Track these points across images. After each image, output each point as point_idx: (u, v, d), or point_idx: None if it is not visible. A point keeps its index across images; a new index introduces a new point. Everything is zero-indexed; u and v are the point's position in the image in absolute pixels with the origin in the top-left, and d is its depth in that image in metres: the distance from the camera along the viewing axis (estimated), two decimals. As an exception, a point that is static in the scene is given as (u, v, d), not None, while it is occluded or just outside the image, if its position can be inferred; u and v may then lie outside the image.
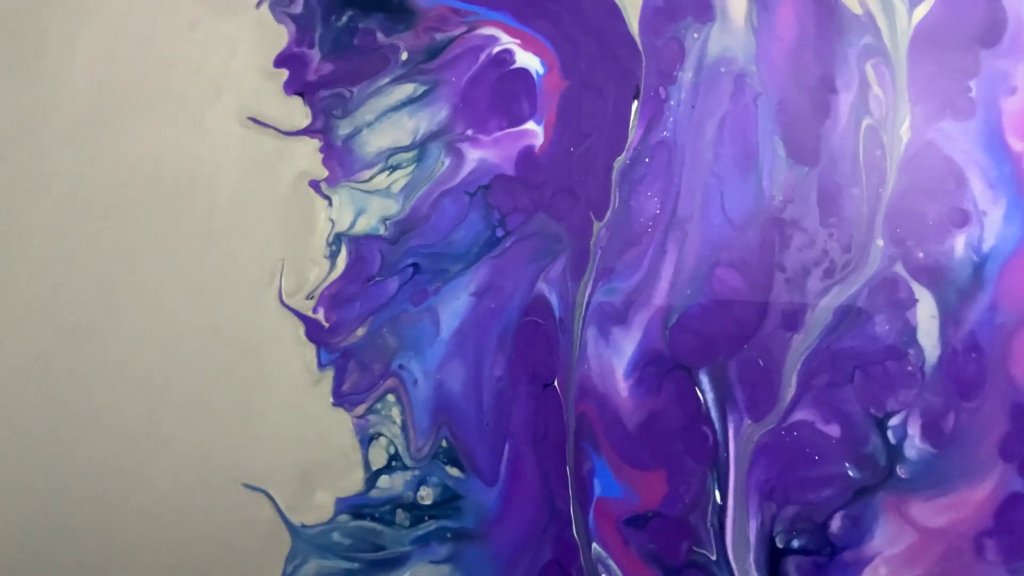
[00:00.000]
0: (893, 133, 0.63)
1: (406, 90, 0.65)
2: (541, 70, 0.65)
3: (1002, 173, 0.62)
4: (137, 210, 0.65)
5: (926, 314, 0.59)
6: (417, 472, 0.62)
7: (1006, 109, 0.62)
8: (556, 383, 0.62)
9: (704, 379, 0.61)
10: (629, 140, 0.63)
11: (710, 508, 0.60)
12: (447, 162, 0.64)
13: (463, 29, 0.65)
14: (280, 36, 0.65)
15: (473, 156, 0.64)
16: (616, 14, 0.64)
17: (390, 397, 0.63)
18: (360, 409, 0.63)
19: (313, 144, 0.65)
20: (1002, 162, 0.62)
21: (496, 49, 0.64)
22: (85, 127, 0.65)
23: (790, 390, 0.60)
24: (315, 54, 0.65)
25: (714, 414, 0.60)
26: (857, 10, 0.64)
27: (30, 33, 0.65)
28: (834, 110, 0.63)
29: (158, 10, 0.65)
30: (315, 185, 0.64)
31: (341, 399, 0.63)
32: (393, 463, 0.62)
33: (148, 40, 0.65)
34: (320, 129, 0.65)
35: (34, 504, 0.64)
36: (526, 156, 0.64)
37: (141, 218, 0.65)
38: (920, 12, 0.63)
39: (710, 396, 0.61)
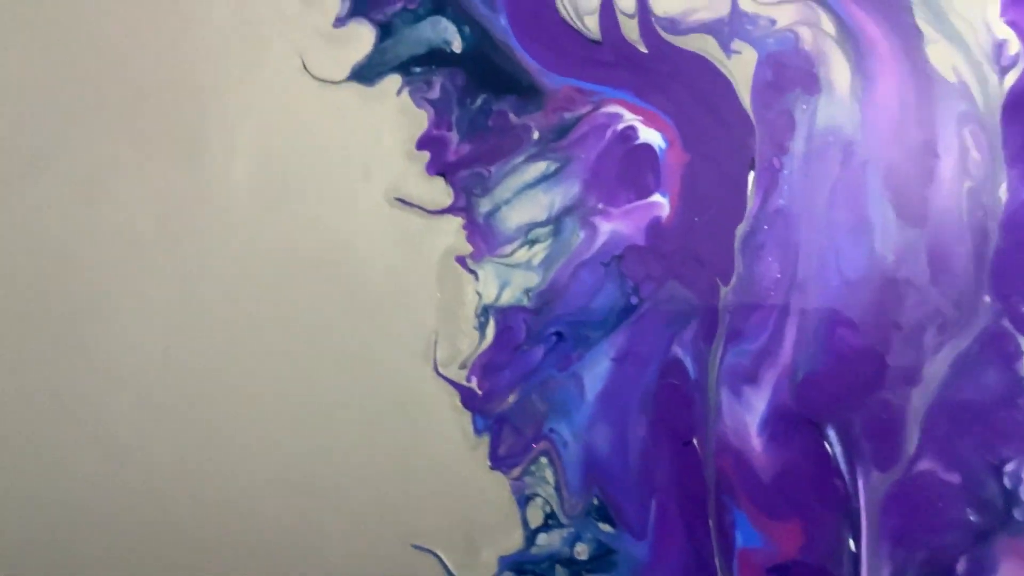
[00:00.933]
0: (992, 194, 0.71)
1: (540, 167, 0.73)
2: (663, 145, 0.73)
3: None
4: (297, 288, 0.73)
5: (1033, 366, 0.68)
6: (572, 529, 0.70)
7: None
8: (695, 441, 0.70)
9: (832, 433, 0.69)
10: (748, 208, 0.72)
11: (845, 556, 0.68)
12: (582, 235, 0.73)
13: (589, 108, 0.73)
14: (420, 120, 0.74)
15: (605, 228, 0.73)
16: (729, 89, 0.73)
17: (543, 459, 0.71)
18: (516, 471, 0.71)
19: (457, 222, 0.73)
20: None
21: (620, 126, 0.73)
22: (246, 213, 0.74)
23: (913, 441, 0.67)
24: (453, 136, 0.74)
25: (843, 466, 0.68)
26: (951, 78, 0.72)
27: (192, 125, 0.74)
28: (937, 174, 0.71)
29: (311, 101, 0.74)
30: (461, 260, 0.73)
31: (498, 462, 0.71)
32: (549, 521, 0.70)
33: (303, 129, 0.73)
34: (463, 207, 0.74)
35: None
36: (654, 227, 0.72)
37: (301, 296, 0.73)
38: (1011, 79, 0.72)
39: (838, 449, 0.68)
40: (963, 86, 0.71)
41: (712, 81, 0.72)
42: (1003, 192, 0.70)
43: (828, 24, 0.72)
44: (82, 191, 0.74)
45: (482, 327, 0.72)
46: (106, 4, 0.75)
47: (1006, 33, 0.69)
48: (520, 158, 0.73)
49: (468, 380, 0.71)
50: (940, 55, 0.70)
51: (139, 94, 0.74)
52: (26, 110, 0.74)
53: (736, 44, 0.72)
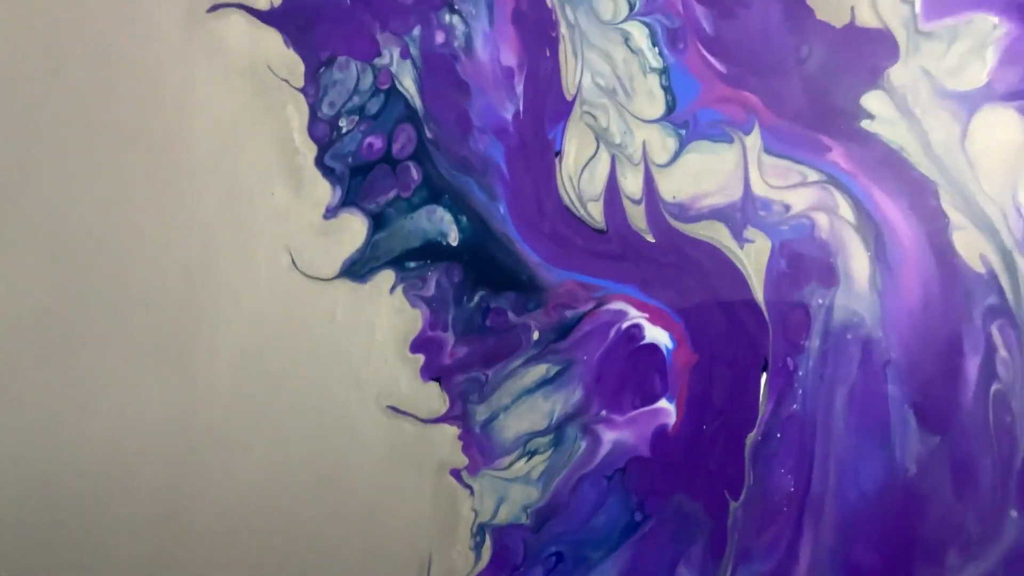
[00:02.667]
0: (1021, 397, 0.82)
1: (540, 371, 0.85)
2: (670, 345, 0.85)
3: None
4: (282, 507, 0.86)
5: (1068, 588, 0.77)
6: None
7: None
8: (705, 671, 0.81)
9: (849, 664, 0.80)
10: (760, 415, 0.83)
11: None
12: (583, 445, 0.84)
13: (592, 305, 0.85)
14: (415, 320, 0.87)
15: (609, 437, 0.84)
16: (741, 282, 0.84)
17: None
18: None
19: (452, 431, 0.86)
20: None
21: (625, 324, 0.85)
22: (234, 423, 0.86)
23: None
24: (449, 337, 0.86)
25: None
26: (979, 269, 0.81)
27: (179, 330, 0.88)
28: (963, 375, 0.82)
29: (300, 300, 0.86)
30: (456, 474, 0.85)
31: None
32: None
33: (292, 332, 0.85)
34: (458, 415, 0.85)
35: None
36: (660, 436, 0.83)
37: (285, 515, 0.86)
38: None
39: None
40: (992, 277, 0.81)
41: (723, 273, 0.84)
42: None
43: (847, 209, 0.83)
44: (73, 405, 0.88)
45: (478, 547, 0.83)
46: (94, 210, 0.90)
47: None
48: (519, 361, 0.85)
49: (463, 605, 0.83)
50: (967, 243, 0.76)
51: (127, 296, 0.88)
52: (13, 323, 0.90)
53: (749, 231, 0.83)
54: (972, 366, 0.74)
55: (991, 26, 0.74)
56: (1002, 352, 0.73)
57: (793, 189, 0.77)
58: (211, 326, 0.80)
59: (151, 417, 0.80)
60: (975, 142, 0.75)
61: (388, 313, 0.78)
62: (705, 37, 0.78)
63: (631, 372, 0.76)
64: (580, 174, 0.78)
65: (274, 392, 0.79)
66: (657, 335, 0.76)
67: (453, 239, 0.78)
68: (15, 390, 0.80)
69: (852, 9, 0.76)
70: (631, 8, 0.78)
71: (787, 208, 0.77)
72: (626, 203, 0.78)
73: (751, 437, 0.74)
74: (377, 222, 0.79)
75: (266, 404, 0.79)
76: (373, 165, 0.80)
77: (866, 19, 0.76)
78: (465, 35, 0.79)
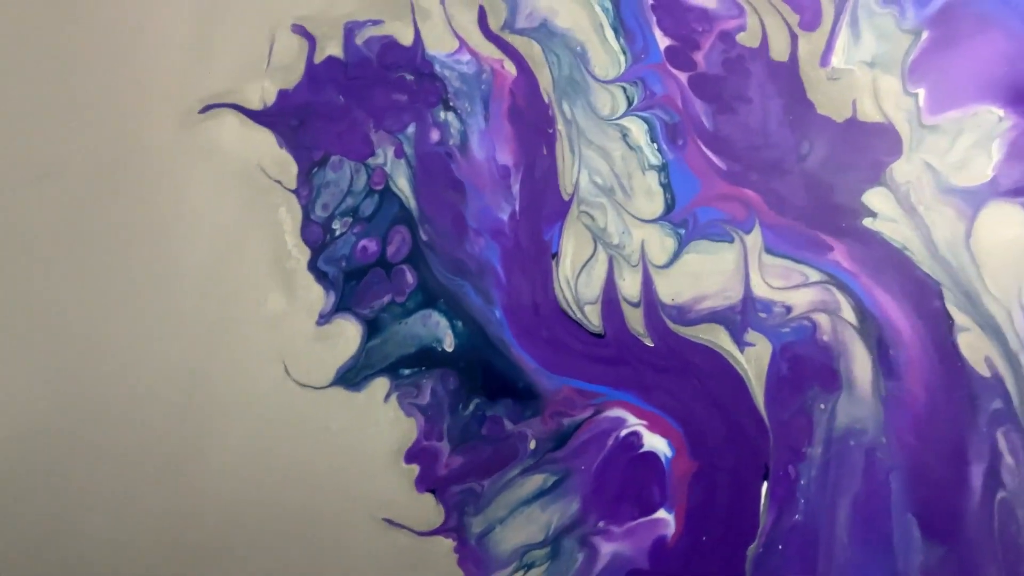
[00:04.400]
0: None
1: (536, 481, 0.99)
2: (669, 453, 0.99)
3: None
4: None
5: None
6: None
7: None
8: None
9: None
10: (761, 526, 0.97)
11: None
12: (581, 557, 0.96)
13: (590, 412, 0.99)
14: (410, 429, 1.03)
15: (607, 550, 0.95)
16: (741, 387, 0.99)
17: None
18: None
19: (447, 544, 1.00)
20: None
21: (624, 432, 0.99)
22: (230, 538, 1.04)
23: None
24: (444, 447, 1.01)
25: None
26: (985, 372, 0.94)
27: (172, 444, 1.04)
28: (968, 483, 0.97)
29: (295, 410, 0.94)
30: None
31: None
32: None
33: (286, 441, 0.96)
34: (454, 528, 0.98)
35: None
36: (659, 548, 0.96)
37: None
38: None
39: None
40: (997, 380, 0.91)
41: (723, 378, 0.99)
42: None
43: (849, 311, 0.96)
44: (68, 516, 0.96)
45: None
46: (88, 320, 1.07)
47: None
48: (515, 471, 1.00)
49: None
50: (972, 345, 0.84)
51: (123, 408, 1.03)
52: (7, 432, 1.08)
53: (749, 335, 0.95)
54: (977, 474, 0.83)
55: (996, 119, 0.83)
56: (1008, 459, 0.84)
57: (794, 290, 0.87)
58: (206, 438, 0.94)
59: (146, 528, 0.95)
60: (980, 240, 0.84)
61: (382, 422, 0.91)
62: (705, 133, 0.87)
63: (629, 481, 0.90)
64: (577, 276, 0.89)
65: (269, 504, 0.94)
66: (656, 443, 0.91)
67: (448, 345, 0.93)
68: (11, 499, 0.98)
69: (854, 103, 0.85)
70: (629, 103, 0.88)
71: (788, 310, 0.87)
72: (624, 306, 0.89)
73: (752, 549, 0.89)
74: (371, 328, 0.93)
75: (261, 516, 0.93)
76: (367, 269, 0.90)
77: (868, 113, 0.85)
78: (460, 133, 0.90)
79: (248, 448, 0.92)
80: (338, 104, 0.93)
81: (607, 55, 0.90)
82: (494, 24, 0.91)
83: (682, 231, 0.90)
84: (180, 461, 0.93)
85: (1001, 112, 0.84)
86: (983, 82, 0.85)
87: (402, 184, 0.93)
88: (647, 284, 0.90)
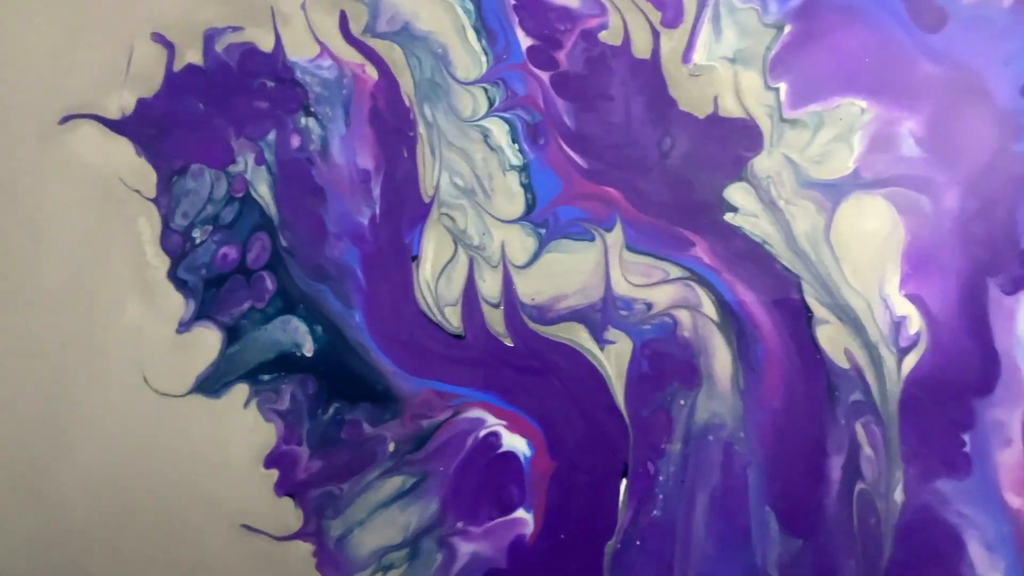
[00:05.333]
0: (887, 498, 1.03)
1: (395, 484, 0.99)
2: (528, 452, 1.01)
3: (1000, 533, 0.92)
4: None
5: None
6: None
7: (1002, 463, 0.92)
8: None
9: None
10: (619, 522, 0.94)
11: None
12: (439, 558, 0.97)
13: (449, 413, 1.02)
14: (269, 435, 1.07)
15: (465, 550, 0.91)
16: (601, 385, 1.01)
17: None
18: None
19: (306, 548, 1.06)
20: (1000, 521, 0.92)
21: (483, 432, 1.01)
22: (86, 544, 1.10)
23: None
24: (304, 451, 1.03)
25: None
26: (844, 364, 0.97)
27: (29, 453, 1.08)
28: (826, 475, 1.02)
29: (155, 418, 0.89)
30: None
31: None
32: None
33: (146, 449, 0.91)
34: (312, 532, 0.99)
35: None
36: (517, 547, 0.95)
37: None
38: (909, 362, 0.90)
39: None
40: (856, 372, 0.91)
41: (583, 376, 1.00)
42: (899, 495, 0.85)
43: (710, 306, 0.98)
44: None
45: (329, 672, 1.02)
46: None
47: (906, 309, 0.87)
48: (375, 473, 1.03)
49: None
50: (832, 338, 0.87)
51: None
52: None
53: (610, 333, 0.92)
54: (836, 466, 0.86)
55: (859, 111, 0.86)
56: (867, 451, 0.86)
57: (655, 287, 0.90)
58: (66, 448, 0.95)
59: (6, 540, 1.00)
60: (840, 232, 0.87)
61: (242, 428, 0.96)
62: (566, 132, 0.90)
63: (488, 482, 0.93)
64: (437, 278, 0.90)
65: (128, 513, 0.96)
66: (515, 443, 0.94)
67: (308, 350, 0.97)
68: None
69: (715, 99, 0.88)
70: (491, 104, 0.89)
71: (649, 307, 0.90)
72: (484, 307, 0.90)
73: (610, 545, 0.92)
74: (231, 335, 0.94)
75: (120, 525, 0.96)
76: (227, 276, 0.91)
77: (730, 109, 0.88)
78: (321, 138, 0.92)
79: (107, 457, 0.94)
80: (198, 112, 0.94)
81: (469, 57, 0.92)
82: (355, 28, 0.93)
83: (543, 231, 0.92)
84: (40, 471, 0.95)
85: (864, 104, 0.87)
86: (845, 74, 0.87)
87: (263, 191, 0.94)
88: (507, 284, 0.92)
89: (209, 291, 0.95)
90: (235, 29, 0.95)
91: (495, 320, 0.93)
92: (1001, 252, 0.85)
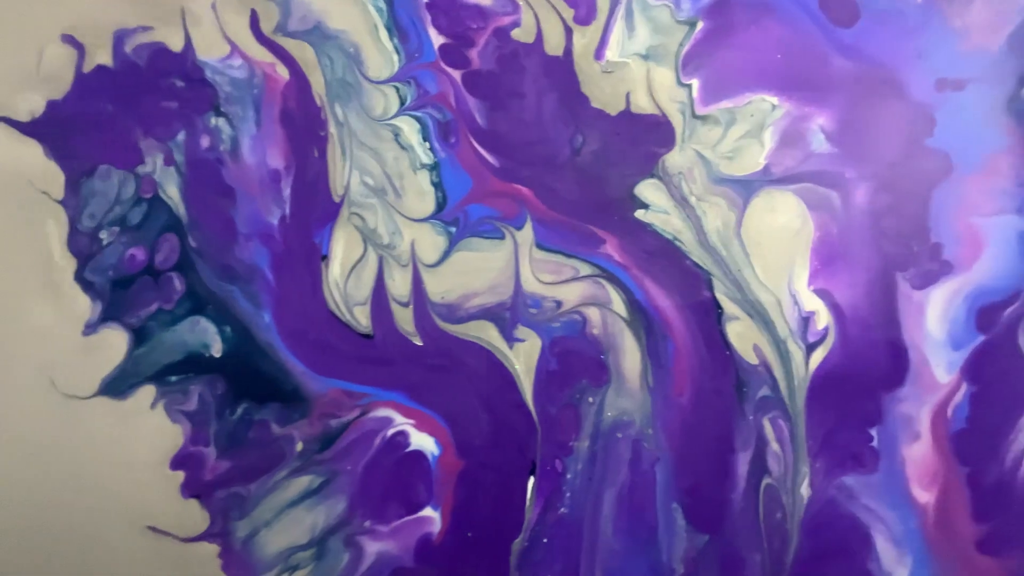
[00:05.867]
0: (793, 493, 1.06)
1: (303, 483, 1.01)
2: (436, 451, 1.03)
3: (908, 528, 0.95)
4: None
5: None
6: None
7: (910, 457, 0.97)
8: None
9: None
10: (526, 520, 0.98)
11: None
12: (346, 558, 0.99)
13: (357, 413, 1.05)
14: (176, 436, 1.08)
15: (372, 549, 0.93)
16: (510, 383, 1.03)
17: None
18: None
19: (212, 549, 1.07)
20: (907, 516, 0.96)
21: (391, 431, 1.03)
22: None
23: None
24: (211, 452, 1.04)
25: None
26: (753, 360, 1.01)
27: None
28: (733, 471, 1.06)
29: (61, 421, 0.88)
30: None
31: None
32: None
33: (52, 452, 0.90)
34: (218, 533, 1.00)
35: None
36: (424, 545, 0.96)
37: None
38: (817, 357, 0.93)
39: None
40: (765, 368, 0.95)
41: (492, 375, 1.01)
42: (805, 489, 0.89)
43: (619, 304, 1.00)
44: None
45: (235, 676, 1.04)
46: None
47: (815, 304, 0.89)
48: (282, 473, 1.05)
49: None
50: (741, 334, 0.88)
51: None
52: None
53: (519, 331, 0.93)
54: (743, 461, 0.88)
55: (770, 107, 0.88)
56: (774, 446, 0.89)
57: (565, 284, 0.91)
58: None
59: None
60: (751, 228, 0.89)
61: (148, 430, 0.98)
62: (477, 130, 0.91)
63: (396, 481, 0.95)
64: (347, 278, 0.92)
65: (34, 514, 0.97)
66: (423, 441, 0.97)
67: (216, 351, 0.98)
68: None
69: (628, 96, 0.90)
70: (402, 103, 0.91)
71: (558, 304, 0.91)
72: (394, 306, 0.92)
73: (517, 543, 0.94)
74: (138, 336, 0.95)
75: (26, 527, 0.96)
76: (135, 277, 0.92)
77: (642, 105, 0.89)
78: (231, 138, 0.92)
79: (12, 459, 0.95)
80: (107, 113, 0.95)
81: (381, 55, 0.93)
82: (267, 28, 0.94)
83: (453, 229, 0.93)
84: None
85: (775, 100, 0.89)
86: (757, 70, 0.89)
87: (171, 192, 0.95)
88: (417, 283, 0.94)
89: (116, 292, 0.96)
90: (145, 29, 0.95)
91: (404, 319, 0.95)
92: (911, 247, 0.88)
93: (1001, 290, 0.87)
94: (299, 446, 0.96)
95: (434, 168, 0.95)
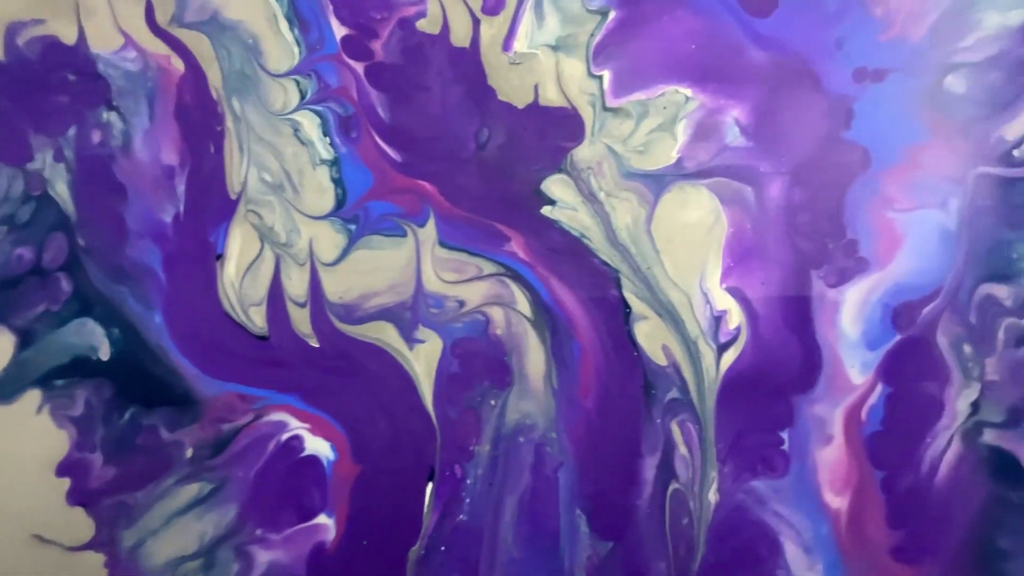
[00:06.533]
0: (701, 498, 1.05)
1: (192, 491, 0.99)
2: (332, 456, 1.03)
3: (818, 534, 0.97)
4: None
5: None
6: None
7: (822, 461, 0.99)
8: None
9: None
10: (424, 527, 1.00)
11: None
12: (236, 568, 0.99)
13: (250, 417, 1.06)
14: (62, 442, 1.07)
15: (263, 559, 0.93)
16: (409, 386, 1.04)
17: None
18: None
19: (98, 559, 1.07)
20: (819, 522, 0.97)
21: (285, 436, 1.04)
22: None
23: None
24: (97, 458, 1.02)
25: None
26: (662, 361, 1.02)
27: None
28: (639, 476, 1.06)
29: None
30: None
31: None
32: None
33: None
34: (104, 542, 0.98)
35: None
36: (317, 554, 0.94)
37: None
38: (728, 358, 0.93)
39: None
40: (674, 369, 0.95)
41: (390, 377, 1.01)
42: (713, 494, 0.89)
43: (524, 303, 0.98)
44: None
45: None
46: None
47: (727, 303, 0.89)
48: (171, 480, 1.03)
49: None
50: (649, 334, 0.88)
51: None
52: None
53: (420, 332, 0.96)
54: (650, 466, 0.86)
55: (683, 99, 0.87)
56: (682, 450, 0.88)
57: (468, 283, 0.90)
58: None
59: None
60: (662, 224, 0.88)
61: (33, 436, 0.97)
62: (380, 124, 0.90)
63: (289, 487, 0.93)
64: (242, 278, 0.93)
65: None
66: (319, 446, 0.96)
67: (104, 353, 0.96)
68: None
69: (536, 88, 0.89)
70: (302, 96, 0.91)
71: (461, 304, 0.90)
72: (290, 306, 0.90)
73: (414, 551, 0.93)
74: (24, 339, 0.96)
75: None
76: (22, 278, 0.90)
77: (551, 98, 0.88)
78: (123, 133, 0.90)
79: None
80: None
81: (281, 47, 0.91)
82: (162, 19, 0.92)
83: (353, 227, 0.93)
84: None
85: (689, 92, 0.89)
86: (671, 61, 0.88)
87: (60, 189, 0.93)
88: (315, 283, 0.93)
89: (2, 293, 0.94)
90: (37, 22, 0.93)
91: (301, 320, 0.94)
92: (827, 243, 0.88)
93: (919, 288, 0.88)
94: (189, 452, 0.95)
95: (334, 164, 0.94)
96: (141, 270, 0.95)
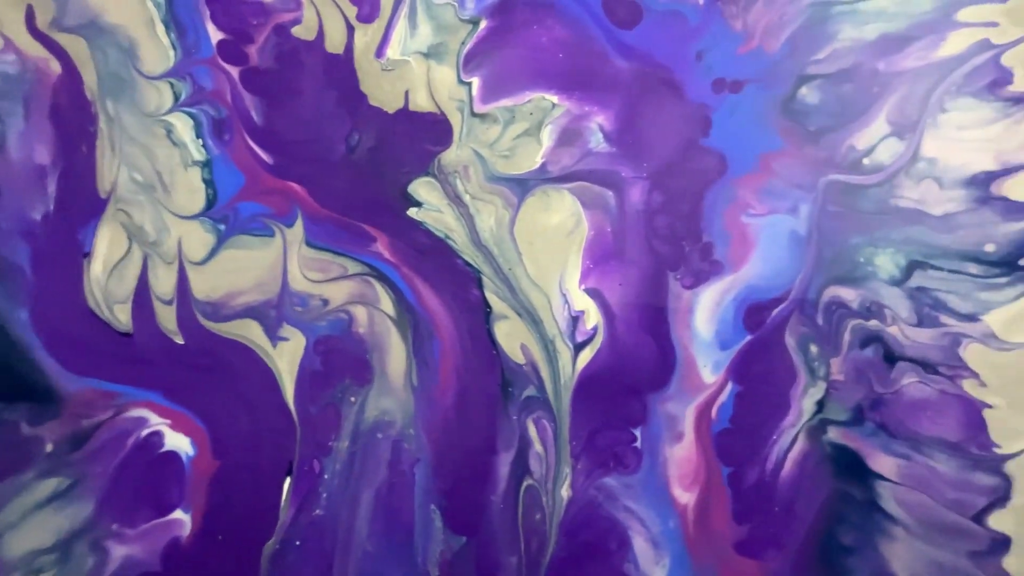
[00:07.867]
0: (554, 494, 1.09)
1: (51, 486, 0.99)
2: (191, 452, 1.06)
3: (666, 528, 0.97)
4: None
5: None
6: None
7: (672, 457, 0.98)
8: None
9: None
10: (280, 522, 1.04)
11: None
12: (91, 562, 0.98)
13: (110, 413, 1.09)
14: None
15: (118, 553, 0.91)
16: (271, 383, 1.06)
17: None
18: None
19: None
20: (667, 516, 0.98)
21: (144, 432, 1.06)
22: None
23: None
24: None
25: None
26: (520, 359, 1.03)
27: None
28: (493, 472, 1.09)
29: None
30: None
31: None
32: None
33: None
34: None
35: None
36: (172, 549, 0.96)
37: None
38: (585, 357, 0.92)
39: None
40: (532, 368, 0.95)
41: (253, 374, 1.04)
42: (566, 490, 0.90)
43: (387, 302, 1.00)
44: None
45: (-29, 672, 1.05)
46: None
47: (585, 304, 0.92)
48: (30, 475, 1.08)
49: None
50: (509, 333, 0.90)
51: None
52: None
53: (284, 329, 0.95)
54: (504, 462, 0.88)
55: (550, 105, 0.90)
56: (537, 447, 0.89)
57: (333, 283, 0.93)
58: None
59: None
60: (524, 227, 0.91)
61: None
62: (252, 127, 0.93)
63: (147, 483, 0.95)
64: (109, 275, 0.95)
65: None
66: (178, 442, 0.99)
67: None
68: None
69: (407, 93, 0.93)
70: (176, 99, 0.94)
71: (325, 303, 0.93)
72: (156, 304, 0.93)
73: (269, 546, 0.99)
74: None
75: None
76: None
77: (421, 103, 0.92)
78: None
79: None
80: None
81: (157, 50, 0.95)
82: (42, 22, 0.95)
83: (222, 227, 0.95)
84: None
85: (555, 99, 0.93)
86: (538, 69, 0.92)
87: None
88: (182, 281, 0.96)
89: None
90: None
91: (166, 317, 0.96)
92: (683, 246, 0.92)
93: (770, 290, 0.92)
94: (49, 447, 0.97)
95: (206, 165, 0.97)
96: (8, 267, 0.98)
